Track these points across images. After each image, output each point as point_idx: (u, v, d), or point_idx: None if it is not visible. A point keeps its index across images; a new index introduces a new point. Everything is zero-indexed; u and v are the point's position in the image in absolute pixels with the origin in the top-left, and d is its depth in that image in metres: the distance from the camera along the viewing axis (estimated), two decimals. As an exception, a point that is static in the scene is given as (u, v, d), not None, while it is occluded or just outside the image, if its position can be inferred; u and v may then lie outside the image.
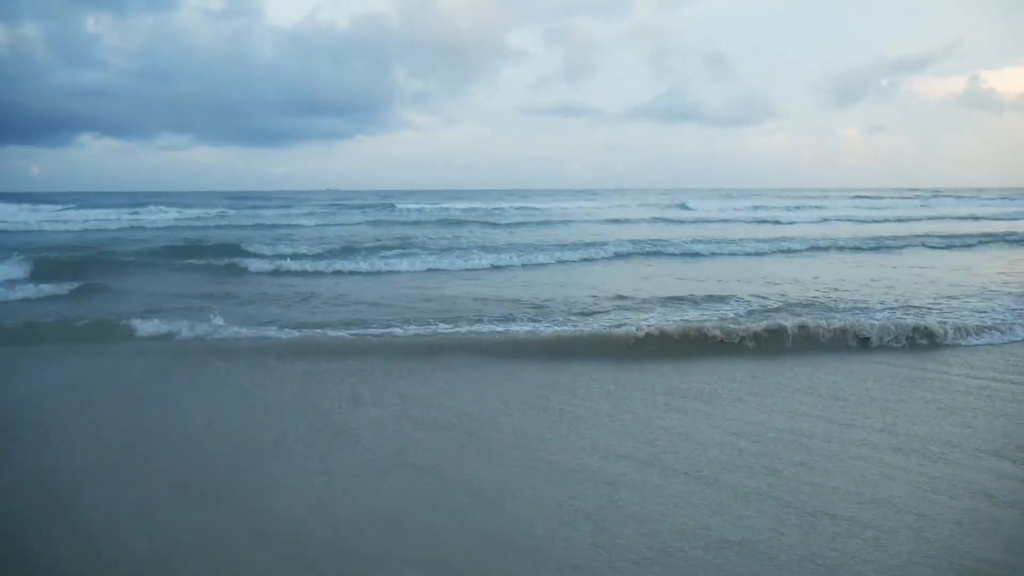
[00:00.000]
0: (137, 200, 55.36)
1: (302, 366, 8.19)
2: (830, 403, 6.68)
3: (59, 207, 40.97)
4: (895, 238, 22.86)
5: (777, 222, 32.75)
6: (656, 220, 33.19)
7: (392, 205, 46.20)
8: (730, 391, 7.13)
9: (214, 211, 38.61)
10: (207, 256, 17.49)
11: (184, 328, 9.59)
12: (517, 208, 43.62)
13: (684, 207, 45.46)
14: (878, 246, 21.18)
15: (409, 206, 45.66)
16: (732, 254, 19.86)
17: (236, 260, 16.87)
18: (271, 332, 9.51)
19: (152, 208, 38.60)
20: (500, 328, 9.65)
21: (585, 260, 18.34)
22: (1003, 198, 62.18)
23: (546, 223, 31.69)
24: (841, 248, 20.96)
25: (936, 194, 74.02)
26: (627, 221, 32.82)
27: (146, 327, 9.57)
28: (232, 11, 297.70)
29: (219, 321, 9.87)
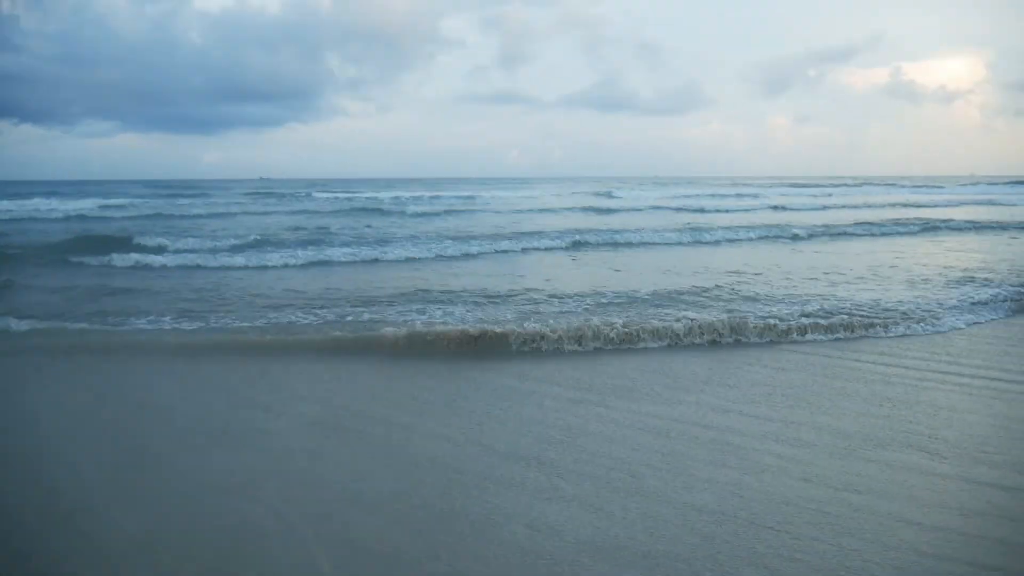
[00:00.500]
0: (50, 189, 52.77)
1: (180, 364, 7.65)
2: (722, 392, 6.48)
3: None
4: (815, 226, 23.22)
5: (701, 210, 32.99)
6: (588, 210, 32.91)
7: (309, 195, 44.76)
8: (639, 384, 6.87)
9: (121, 201, 36.50)
10: (92, 251, 16.18)
11: (37, 324, 8.85)
12: (431, 196, 42.79)
13: (610, 195, 45.72)
14: (795, 235, 21.42)
15: (337, 194, 44.59)
16: (651, 243, 19.74)
17: (125, 253, 15.81)
18: (143, 325, 8.90)
19: (41, 200, 35.62)
20: (403, 319, 9.18)
21: (500, 252, 17.80)
22: (928, 186, 65.28)
23: (460, 213, 31.05)
24: (759, 237, 21.13)
25: (864, 182, 76.88)
26: (552, 211, 32.51)
27: None
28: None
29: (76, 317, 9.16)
